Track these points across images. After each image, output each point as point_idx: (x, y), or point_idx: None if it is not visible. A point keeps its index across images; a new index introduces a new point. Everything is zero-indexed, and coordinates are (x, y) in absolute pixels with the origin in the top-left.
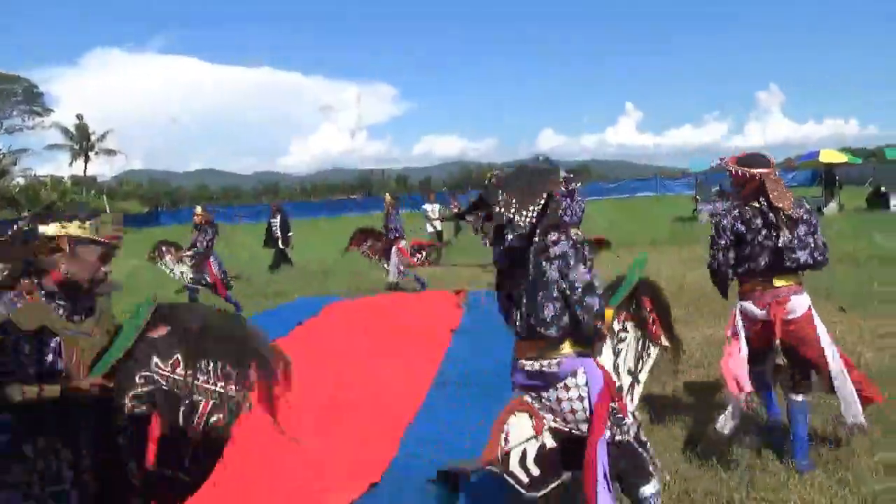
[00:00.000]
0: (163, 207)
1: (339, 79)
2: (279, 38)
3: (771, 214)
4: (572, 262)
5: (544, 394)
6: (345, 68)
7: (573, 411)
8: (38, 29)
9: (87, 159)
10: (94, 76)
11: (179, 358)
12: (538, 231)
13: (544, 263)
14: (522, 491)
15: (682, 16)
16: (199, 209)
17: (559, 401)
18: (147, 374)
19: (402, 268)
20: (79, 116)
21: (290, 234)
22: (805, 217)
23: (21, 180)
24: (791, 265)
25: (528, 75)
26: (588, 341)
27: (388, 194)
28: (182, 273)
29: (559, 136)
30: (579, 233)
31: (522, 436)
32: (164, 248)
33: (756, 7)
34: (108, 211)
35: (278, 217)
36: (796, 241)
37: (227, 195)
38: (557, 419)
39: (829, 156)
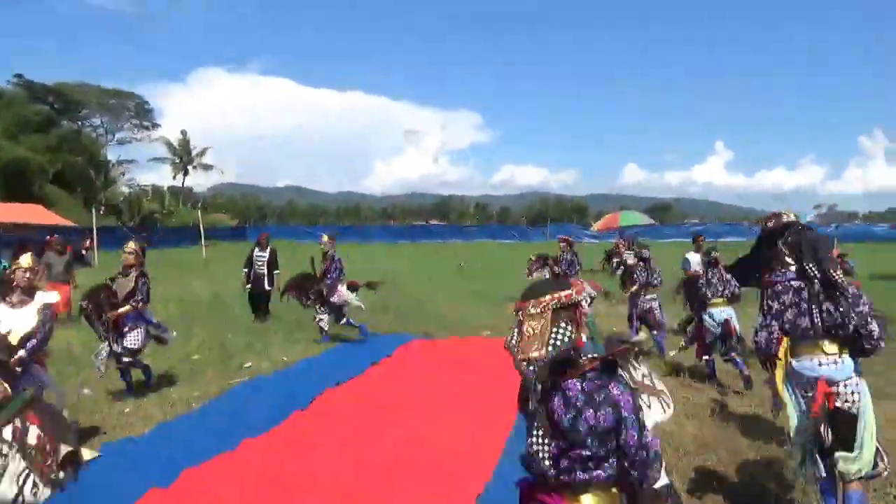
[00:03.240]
0: (250, 222)
1: (425, 105)
2: (371, 65)
3: None
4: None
5: None
6: (432, 95)
7: None
8: (152, 48)
9: (185, 172)
10: (198, 93)
11: None
12: None
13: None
14: None
15: (777, 55)
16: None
17: None
18: None
19: None
20: (183, 132)
21: (277, 272)
22: None
23: (126, 189)
24: None
25: (614, 108)
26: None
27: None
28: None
29: (642, 171)
30: None
31: None
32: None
33: (858, 50)
34: (200, 223)
35: (267, 250)
36: None
37: (312, 213)
38: None
39: None
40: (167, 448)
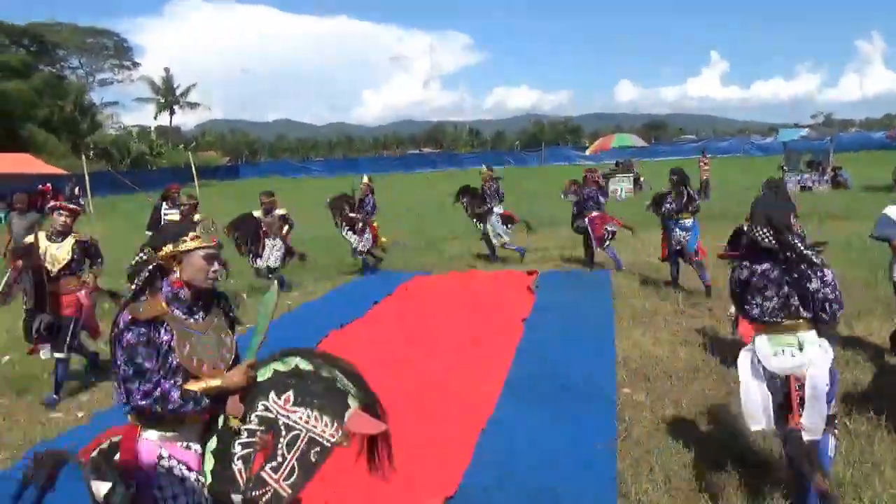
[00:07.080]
0: (242, 159)
1: (412, 27)
2: None
3: None
4: None
5: None
6: (418, 16)
7: None
8: None
9: (171, 112)
10: (177, 26)
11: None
12: None
13: None
14: None
15: None
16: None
17: None
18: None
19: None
20: (166, 70)
21: None
22: None
23: (113, 132)
24: None
25: (606, 22)
26: None
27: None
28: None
29: (636, 88)
30: None
31: None
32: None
33: None
34: (192, 163)
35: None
36: None
37: (303, 147)
38: None
39: None
40: None
